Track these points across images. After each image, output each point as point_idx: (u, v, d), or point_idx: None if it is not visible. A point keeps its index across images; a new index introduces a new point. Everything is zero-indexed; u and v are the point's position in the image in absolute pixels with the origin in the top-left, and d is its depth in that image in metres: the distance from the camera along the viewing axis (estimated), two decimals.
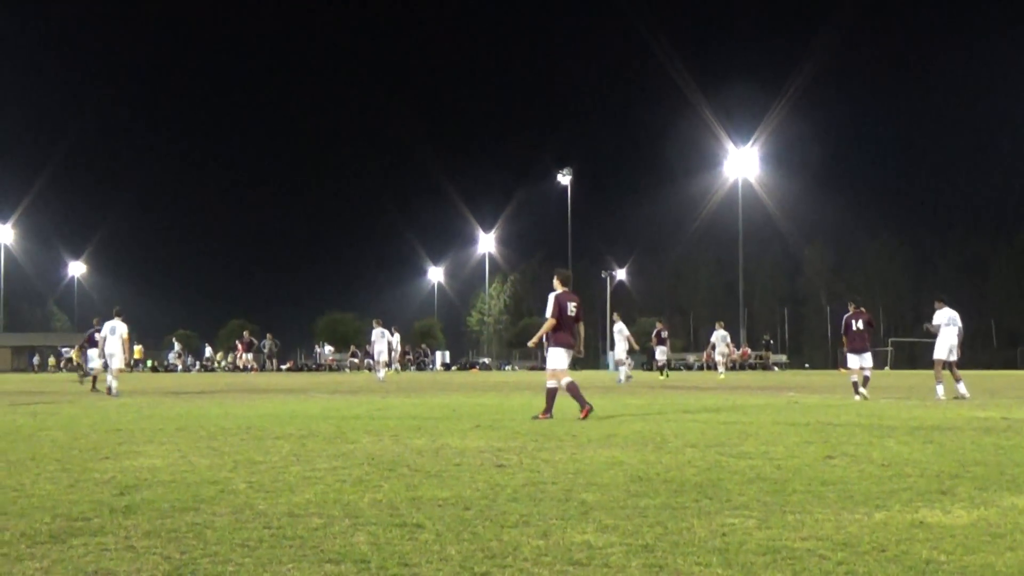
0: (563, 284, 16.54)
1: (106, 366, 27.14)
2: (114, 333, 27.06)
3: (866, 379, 23.30)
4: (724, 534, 6.06)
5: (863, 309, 23.99)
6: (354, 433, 12.91)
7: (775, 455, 10.09)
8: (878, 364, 72.17)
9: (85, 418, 16.55)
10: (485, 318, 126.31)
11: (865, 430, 13.41)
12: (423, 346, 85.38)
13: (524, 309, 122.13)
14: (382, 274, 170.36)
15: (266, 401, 22.41)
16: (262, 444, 11.44)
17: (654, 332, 44.52)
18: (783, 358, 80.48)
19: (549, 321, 16.22)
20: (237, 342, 67.07)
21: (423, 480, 8.32)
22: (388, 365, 43.93)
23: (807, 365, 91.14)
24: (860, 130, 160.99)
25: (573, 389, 15.85)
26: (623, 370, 37.45)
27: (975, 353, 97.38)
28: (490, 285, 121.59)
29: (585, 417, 15.32)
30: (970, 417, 16.23)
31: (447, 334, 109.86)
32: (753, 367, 69.96)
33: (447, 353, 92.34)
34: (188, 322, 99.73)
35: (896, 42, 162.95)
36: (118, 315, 27.35)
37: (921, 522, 6.42)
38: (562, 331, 16.23)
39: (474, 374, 63.70)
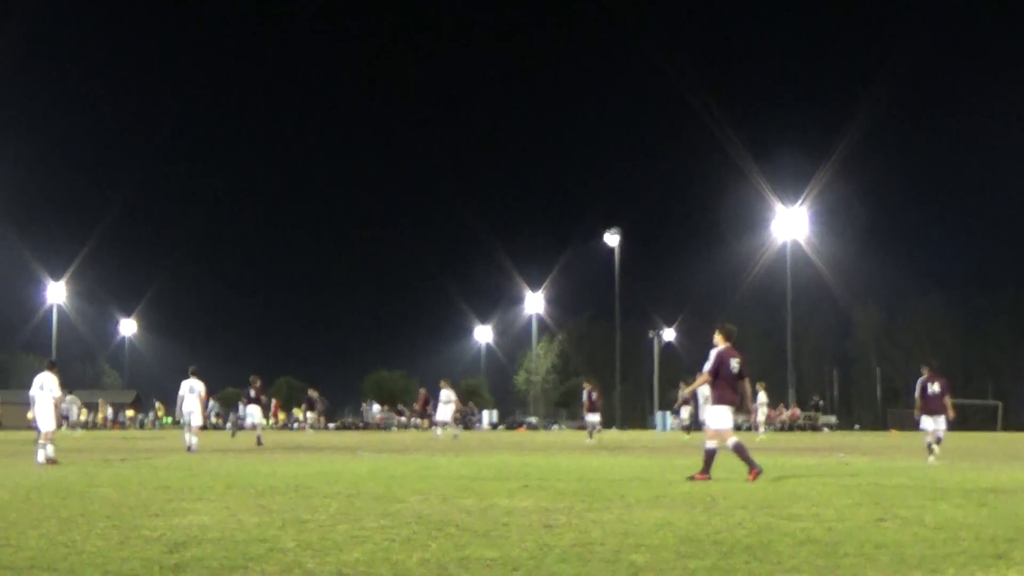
0: (726, 339, 16.56)
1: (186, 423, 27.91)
2: (192, 392, 27.83)
3: (939, 440, 23.15)
4: None
5: (939, 372, 23.91)
6: (402, 492, 12.90)
7: (826, 517, 9.98)
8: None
9: (135, 475, 16.64)
10: (532, 377, 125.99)
11: (917, 492, 13.26)
12: (470, 404, 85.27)
13: (571, 369, 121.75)
14: (429, 333, 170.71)
15: (314, 459, 22.44)
16: (310, 502, 11.45)
17: (679, 393, 44.79)
18: (832, 419, 79.58)
19: (704, 376, 16.10)
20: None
21: (471, 540, 8.30)
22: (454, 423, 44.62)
23: (857, 426, 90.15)
24: (909, 189, 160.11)
25: (740, 450, 15.51)
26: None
27: None
28: (537, 344, 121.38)
29: (754, 480, 15.00)
30: None
31: (494, 393, 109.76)
32: (802, 428, 69.32)
33: (494, 412, 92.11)
34: (236, 379, 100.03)
35: (945, 101, 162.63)
36: (195, 374, 28.10)
37: None
38: (724, 388, 16.01)
39: (521, 433, 63.52)
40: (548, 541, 8.23)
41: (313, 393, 63.25)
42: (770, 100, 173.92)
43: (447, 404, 42.97)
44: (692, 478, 15.40)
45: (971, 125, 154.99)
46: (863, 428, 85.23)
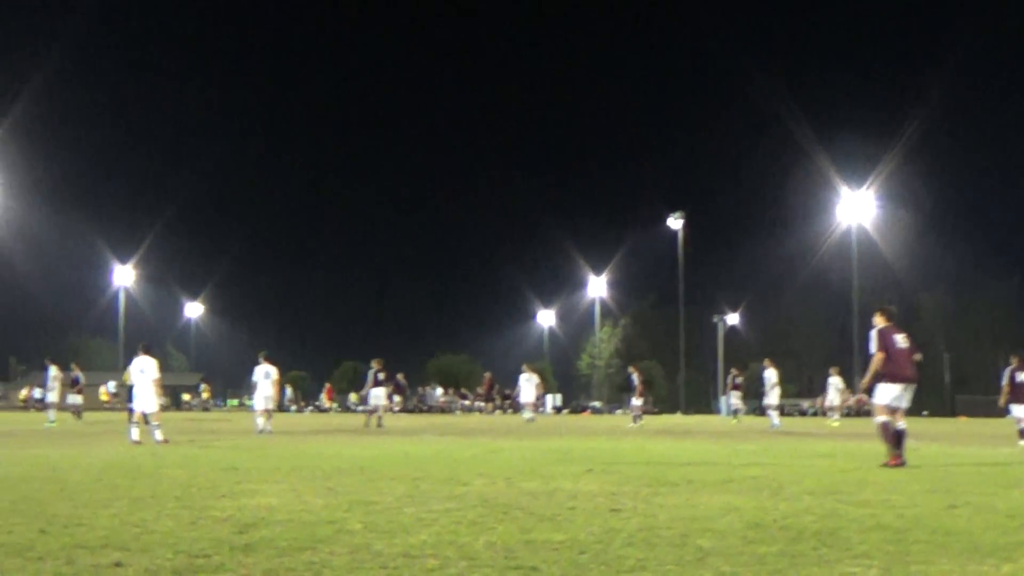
0: (887, 319, 16.71)
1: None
2: (268, 376, 28.31)
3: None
4: None
5: None
6: (467, 475, 12.93)
7: (895, 503, 9.88)
8: (997, 413, 70.67)
9: (203, 456, 16.82)
10: (596, 362, 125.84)
11: (988, 479, 13.11)
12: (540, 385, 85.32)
13: (634, 353, 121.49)
14: (493, 317, 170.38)
15: (379, 442, 22.56)
16: (376, 485, 11.51)
17: (730, 378, 45.20)
18: None
19: (876, 357, 16.09)
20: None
21: (537, 523, 8.29)
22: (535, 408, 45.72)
23: (925, 412, 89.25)
24: (979, 171, 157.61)
25: (891, 433, 15.51)
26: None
27: None
28: (600, 329, 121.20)
29: (893, 466, 15.01)
30: None
31: (557, 377, 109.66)
32: (869, 414, 68.69)
33: (558, 396, 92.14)
34: (302, 363, 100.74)
35: (1019, 80, 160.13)
36: (267, 359, 28.52)
37: None
38: (893, 364, 16.08)
39: (585, 417, 63.51)
40: (614, 525, 8.21)
41: (401, 377, 63.82)
42: (836, 81, 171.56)
43: (529, 386, 44.36)
44: (886, 464, 15.24)
45: None
46: (931, 414, 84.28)
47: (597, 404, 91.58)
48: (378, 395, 35.42)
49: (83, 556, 6.67)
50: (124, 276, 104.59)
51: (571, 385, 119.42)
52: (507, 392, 70.13)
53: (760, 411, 63.01)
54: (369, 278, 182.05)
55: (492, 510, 9.13)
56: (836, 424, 40.92)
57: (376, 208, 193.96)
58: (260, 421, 27.99)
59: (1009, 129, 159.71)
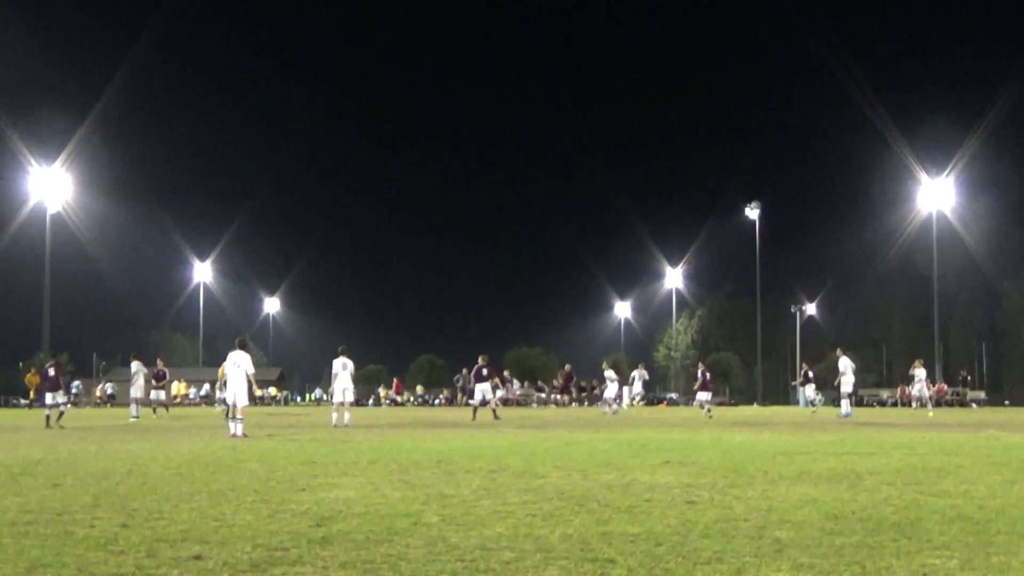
0: None
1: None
2: (345, 369, 28.80)
3: None
4: (925, 575, 5.88)
5: None
6: (543, 467, 12.95)
7: (977, 494, 9.75)
8: None
9: (281, 450, 16.98)
10: (672, 353, 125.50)
11: None
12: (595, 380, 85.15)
13: (711, 344, 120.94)
14: (569, 309, 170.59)
15: (455, 435, 22.63)
16: (453, 477, 11.55)
17: (801, 372, 45.71)
18: (981, 394, 77.72)
19: None
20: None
21: (613, 515, 8.29)
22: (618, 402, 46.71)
23: (1007, 402, 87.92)
24: None
25: None
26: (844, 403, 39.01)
27: None
28: (677, 320, 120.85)
29: None
30: None
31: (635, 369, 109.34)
32: (950, 404, 67.85)
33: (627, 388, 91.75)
34: (380, 357, 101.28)
35: None
36: (343, 352, 28.97)
37: None
38: None
39: (662, 409, 63.27)
40: (691, 517, 8.19)
41: (505, 372, 64.34)
42: (916, 69, 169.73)
43: (612, 383, 45.30)
44: None
45: None
46: (1013, 404, 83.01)
47: (674, 395, 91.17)
48: (484, 389, 36.12)
49: (164, 549, 6.77)
50: (203, 272, 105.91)
51: (648, 377, 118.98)
52: (583, 384, 70.08)
53: (838, 402, 62.58)
54: (446, 272, 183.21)
55: (568, 502, 9.14)
56: (931, 414, 40.44)
57: (453, 203, 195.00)
58: (335, 416, 28.31)
59: None
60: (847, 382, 39.48)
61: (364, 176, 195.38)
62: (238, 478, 11.64)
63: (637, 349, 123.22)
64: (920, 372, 45.61)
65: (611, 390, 45.55)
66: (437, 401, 76.81)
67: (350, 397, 28.96)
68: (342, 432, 24.35)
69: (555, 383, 69.92)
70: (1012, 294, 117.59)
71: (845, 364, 39.17)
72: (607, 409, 44.37)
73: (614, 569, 6.09)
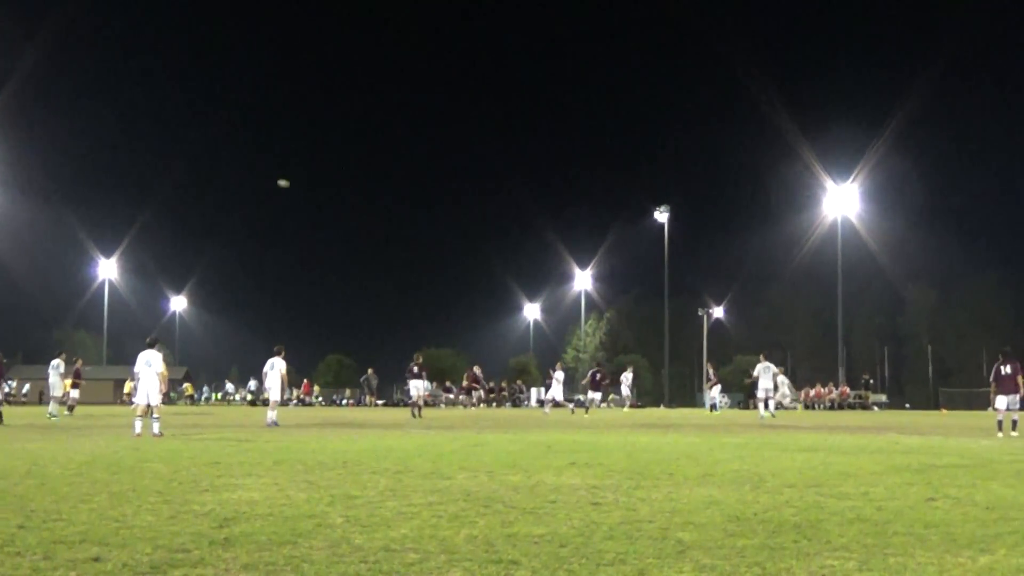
0: None
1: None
2: (273, 368, 29.42)
3: (1014, 422, 25.75)
4: None
5: (1012, 356, 26.48)
6: (450, 469, 12.94)
7: (875, 496, 9.92)
8: (979, 405, 71.09)
9: (186, 451, 16.79)
10: (581, 355, 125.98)
11: (968, 472, 13.15)
12: (518, 382, 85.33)
13: (620, 346, 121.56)
14: (479, 310, 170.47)
15: (362, 436, 22.53)
16: (359, 479, 11.50)
17: (708, 374, 47.33)
18: (883, 398, 79.03)
19: None
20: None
21: (519, 517, 8.31)
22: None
23: (907, 405, 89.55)
24: (965, 166, 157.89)
25: None
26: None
27: None
28: (586, 322, 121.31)
29: None
30: None
31: (543, 371, 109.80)
32: (852, 407, 68.92)
33: (543, 390, 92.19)
34: (287, 357, 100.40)
35: (1003, 74, 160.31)
36: (278, 353, 29.63)
37: None
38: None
39: (569, 411, 63.48)
40: (595, 518, 8.22)
41: (478, 370, 64.41)
42: (821, 75, 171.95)
43: (559, 383, 47.20)
44: None
45: None
46: (914, 407, 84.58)
47: (581, 397, 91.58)
48: (417, 387, 37.40)
49: (61, 551, 6.66)
50: (108, 270, 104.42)
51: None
52: (492, 386, 70.25)
53: (747, 404, 63.49)
54: (355, 272, 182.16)
55: (474, 504, 9.14)
56: (766, 416, 40.99)
57: (362, 202, 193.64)
58: (272, 414, 28.76)
59: (995, 123, 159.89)
60: (764, 387, 40.28)
61: (273, 174, 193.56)
62: (140, 479, 11.49)
63: (547, 350, 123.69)
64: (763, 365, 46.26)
65: (556, 391, 46.99)
66: (344, 401, 76.41)
67: (275, 396, 29.38)
68: (249, 432, 24.14)
69: (462, 384, 69.94)
70: (914, 300, 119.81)
71: (762, 369, 39.98)
72: (547, 410, 45.94)
73: (518, 570, 6.10)
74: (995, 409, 26.30)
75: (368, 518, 8.18)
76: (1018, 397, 25.82)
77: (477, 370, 67.99)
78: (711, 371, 55.52)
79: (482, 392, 67.10)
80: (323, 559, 6.39)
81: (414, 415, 36.64)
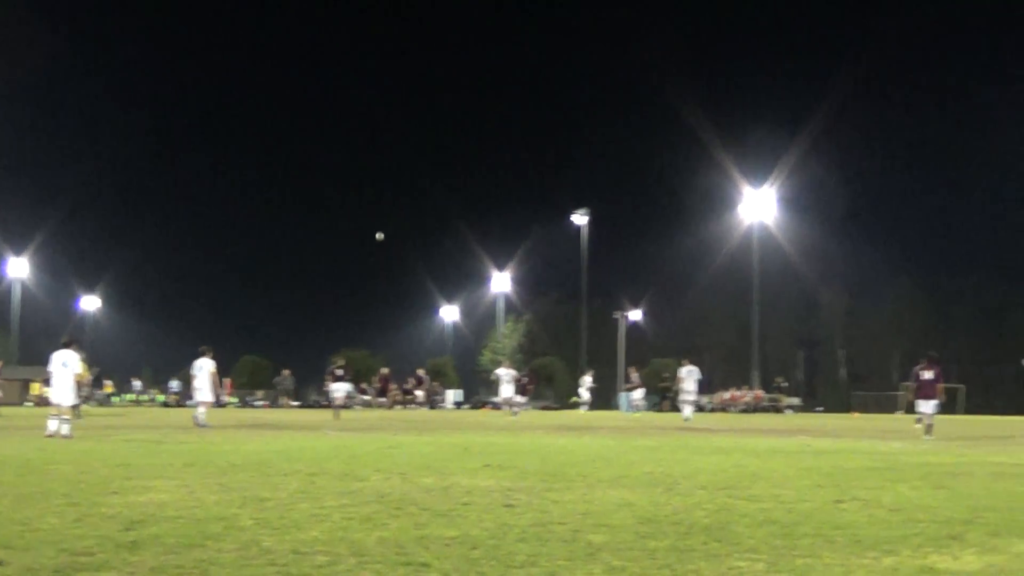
0: None
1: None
2: (202, 370, 29.52)
3: (929, 426, 25.85)
4: None
5: (935, 361, 26.89)
6: (363, 471, 12.87)
7: (785, 498, 10.02)
8: (890, 408, 72.25)
9: (95, 452, 16.55)
10: (498, 357, 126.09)
11: (876, 474, 13.34)
12: (435, 384, 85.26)
13: (538, 349, 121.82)
14: (396, 311, 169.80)
15: (277, 438, 22.37)
16: (271, 481, 11.41)
17: (628, 378, 48.86)
18: (796, 401, 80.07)
19: None
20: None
21: (431, 519, 8.28)
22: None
23: (820, 408, 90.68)
24: (879, 172, 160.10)
25: None
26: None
27: (992, 398, 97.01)
28: (504, 324, 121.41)
29: None
30: (983, 462, 16.17)
31: (460, 373, 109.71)
32: (766, 410, 69.71)
33: (460, 391, 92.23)
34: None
35: (917, 86, 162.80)
36: (204, 353, 29.78)
37: (931, 568, 6.37)
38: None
39: (485, 413, 63.53)
40: (508, 520, 8.23)
41: (421, 372, 64.27)
42: (739, 80, 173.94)
43: (509, 384, 47.70)
44: None
45: (944, 110, 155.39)
46: (827, 410, 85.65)
47: (498, 399, 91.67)
48: (339, 389, 38.26)
49: None
50: (18, 268, 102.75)
51: (473, 380, 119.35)
52: (407, 388, 70.11)
53: (663, 406, 64.02)
54: (270, 272, 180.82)
55: (386, 506, 9.10)
56: (686, 418, 41.49)
57: (277, 202, 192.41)
58: (200, 413, 28.85)
59: (910, 129, 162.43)
60: (687, 390, 40.92)
61: (189, 172, 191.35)
62: (47, 480, 11.30)
63: (465, 353, 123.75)
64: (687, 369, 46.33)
65: (506, 391, 47.62)
66: (259, 402, 75.82)
67: (201, 397, 29.50)
68: (161, 433, 23.85)
69: (376, 386, 69.73)
70: (828, 304, 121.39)
71: (686, 372, 40.76)
72: (509, 408, 46.81)
73: (429, 573, 6.08)
74: (918, 412, 26.60)
75: (279, 520, 8.11)
76: (935, 403, 26.12)
77: (421, 374, 68.08)
78: (634, 375, 56.01)
79: (399, 394, 67.04)
80: (232, 562, 6.32)
81: (336, 417, 36.93)
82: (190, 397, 74.78)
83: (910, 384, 27.21)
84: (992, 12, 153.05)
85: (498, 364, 58.18)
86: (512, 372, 48.64)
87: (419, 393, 64.24)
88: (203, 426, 27.66)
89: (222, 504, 9.14)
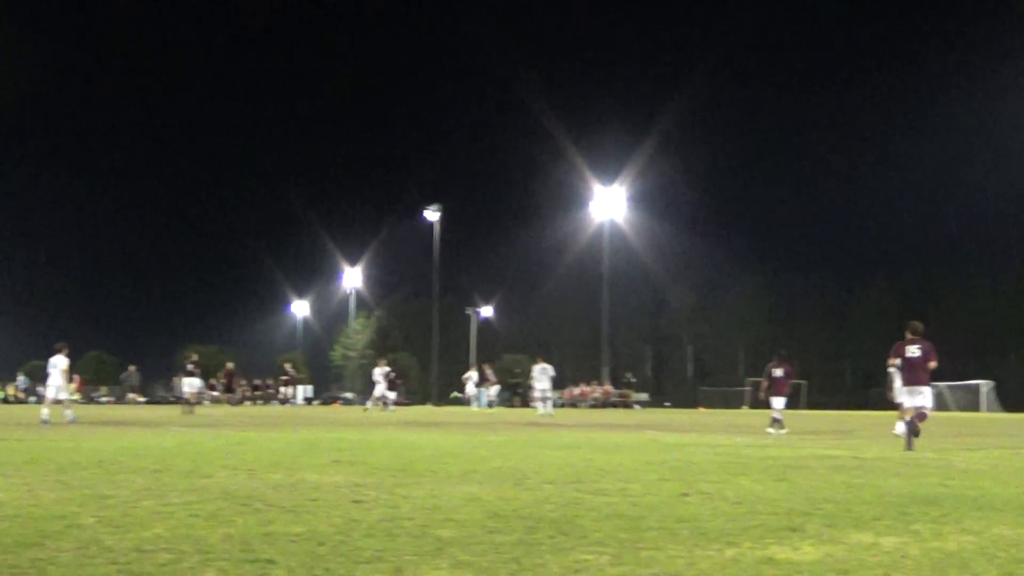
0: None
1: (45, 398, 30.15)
2: (56, 367, 29.19)
3: (777, 420, 26.31)
4: (577, 571, 6.07)
5: (785, 359, 27.83)
6: (210, 467, 12.69)
7: (632, 492, 10.16)
8: (737, 403, 73.77)
9: None
10: (349, 353, 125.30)
11: (721, 468, 13.60)
12: (285, 379, 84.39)
13: (389, 345, 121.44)
14: (245, 306, 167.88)
15: (122, 434, 21.94)
16: (114, 478, 11.17)
17: (480, 374, 50.42)
18: (644, 396, 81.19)
19: None
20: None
21: (277, 515, 8.20)
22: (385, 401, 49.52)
23: (668, 404, 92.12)
24: (728, 172, 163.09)
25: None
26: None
27: (831, 394, 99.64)
28: (355, 320, 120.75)
29: None
30: (822, 456, 16.59)
31: (311, 368, 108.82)
32: (615, 405, 70.55)
33: (309, 388, 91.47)
34: (41, 352, 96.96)
35: (765, 87, 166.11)
36: (59, 351, 29.32)
37: (770, 559, 6.51)
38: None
39: (335, 409, 63.15)
40: (356, 516, 8.19)
41: (230, 365, 63.47)
42: (590, 77, 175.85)
43: (379, 383, 48.68)
44: None
45: (790, 112, 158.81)
46: (674, 405, 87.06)
47: (349, 395, 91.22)
48: (191, 384, 38.25)
49: None
50: None
51: (324, 376, 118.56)
52: (257, 383, 69.42)
53: (517, 402, 64.38)
54: (114, 266, 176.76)
55: (232, 502, 8.99)
56: (540, 414, 42.11)
57: (124, 192, 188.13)
58: (46, 411, 28.23)
59: (759, 128, 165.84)
60: (541, 388, 41.81)
61: (29, 160, 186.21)
62: None
63: (316, 348, 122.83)
64: (540, 367, 47.10)
65: (379, 389, 48.41)
66: (104, 399, 74.19)
67: (61, 395, 29.33)
68: (49, 428, 23.21)
69: (221, 381, 68.90)
70: (676, 301, 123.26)
71: (540, 371, 41.84)
72: (372, 405, 47.98)
73: (275, 569, 6.02)
74: (773, 408, 27.00)
75: (121, 518, 7.95)
76: (784, 399, 26.90)
77: (230, 366, 67.28)
78: (489, 372, 56.59)
79: (239, 390, 66.39)
80: (71, 561, 6.18)
81: (186, 412, 36.71)
82: (34, 393, 73.14)
83: (763, 381, 27.85)
84: (834, 12, 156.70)
85: (349, 360, 58.56)
86: (386, 369, 49.65)
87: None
88: (73, 421, 27.38)
89: (62, 502, 8.93)
